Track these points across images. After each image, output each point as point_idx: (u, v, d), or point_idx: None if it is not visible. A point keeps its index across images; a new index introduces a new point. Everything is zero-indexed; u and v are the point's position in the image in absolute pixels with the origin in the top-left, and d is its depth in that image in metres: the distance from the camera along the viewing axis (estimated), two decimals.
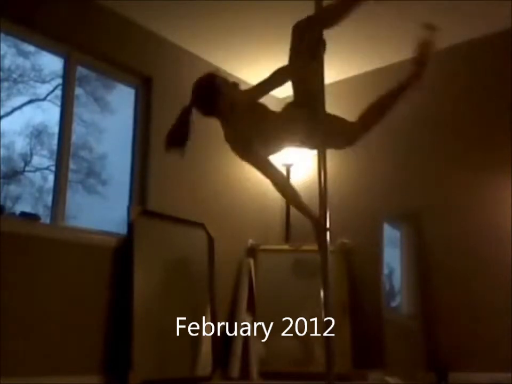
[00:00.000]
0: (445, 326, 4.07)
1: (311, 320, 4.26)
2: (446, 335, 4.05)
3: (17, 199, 4.01)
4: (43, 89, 4.23)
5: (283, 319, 4.42)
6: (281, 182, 2.74)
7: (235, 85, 2.71)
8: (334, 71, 4.63)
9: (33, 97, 4.23)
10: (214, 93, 2.64)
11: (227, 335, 4.30)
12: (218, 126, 4.95)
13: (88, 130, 4.33)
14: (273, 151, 2.80)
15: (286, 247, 4.76)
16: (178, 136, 2.74)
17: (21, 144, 4.20)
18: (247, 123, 2.64)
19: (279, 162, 5.03)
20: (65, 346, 3.38)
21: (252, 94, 2.76)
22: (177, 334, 3.88)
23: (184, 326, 3.96)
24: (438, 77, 4.52)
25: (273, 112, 2.76)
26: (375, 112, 2.93)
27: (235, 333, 4.28)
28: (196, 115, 2.71)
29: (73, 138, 3.88)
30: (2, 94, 3.75)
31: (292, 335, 4.40)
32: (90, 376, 3.44)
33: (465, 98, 4.38)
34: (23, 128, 4.19)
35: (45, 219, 3.65)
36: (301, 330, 4.37)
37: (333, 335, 2.56)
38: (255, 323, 4.35)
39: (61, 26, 3.78)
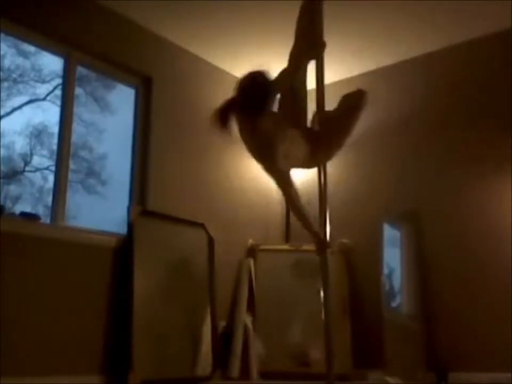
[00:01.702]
0: (445, 326, 4.07)
1: (311, 320, 4.26)
2: (446, 335, 4.04)
3: (17, 199, 4.02)
4: (43, 89, 4.23)
5: (283, 319, 4.43)
6: (293, 198, 2.71)
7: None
8: (334, 71, 4.63)
9: (33, 97, 4.24)
10: (264, 96, 2.56)
11: (227, 335, 4.30)
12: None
13: (88, 130, 4.33)
14: (293, 166, 2.83)
15: (286, 247, 4.76)
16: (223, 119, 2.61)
17: (21, 144, 4.21)
18: (278, 131, 2.59)
19: None
20: (65, 346, 3.38)
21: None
22: (178, 334, 3.89)
23: (184, 326, 3.97)
24: (438, 77, 4.53)
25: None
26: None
27: (235, 333, 4.28)
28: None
29: (73, 138, 3.88)
30: (2, 94, 3.75)
31: (291, 335, 4.41)
32: (90, 376, 3.44)
33: (465, 98, 4.37)
34: (23, 128, 4.20)
35: (45, 219, 3.65)
36: (301, 330, 4.37)
37: (333, 335, 2.56)
38: (255, 323, 4.35)
39: (61, 26, 3.78)
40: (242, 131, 2.69)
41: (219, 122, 2.59)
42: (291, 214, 4.88)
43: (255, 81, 2.58)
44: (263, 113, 2.57)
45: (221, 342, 4.22)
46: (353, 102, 2.87)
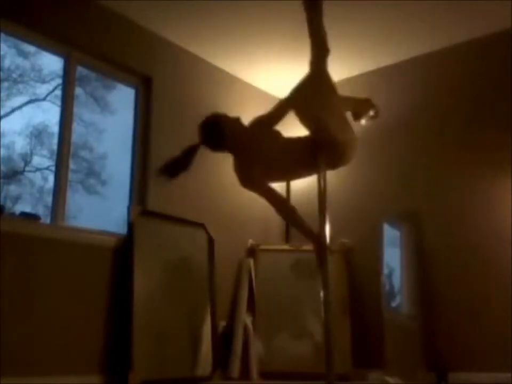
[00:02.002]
0: (445, 326, 4.07)
1: (311, 320, 4.26)
2: (446, 335, 4.04)
3: (17, 199, 4.02)
4: (43, 89, 4.24)
5: (283, 319, 4.43)
6: (280, 206, 2.91)
7: (237, 119, 2.96)
8: (334, 71, 4.62)
9: (33, 97, 4.24)
10: (220, 133, 2.91)
11: (227, 335, 4.30)
12: None
13: (88, 130, 4.34)
14: (280, 179, 3.01)
15: (286, 247, 4.76)
16: (178, 167, 2.99)
17: (21, 144, 4.21)
18: (248, 156, 2.90)
19: None
20: (65, 346, 3.38)
21: (259, 126, 2.98)
22: (178, 334, 3.89)
23: (184, 326, 3.97)
24: (438, 77, 4.53)
25: (284, 141, 2.96)
26: None
27: (235, 333, 4.28)
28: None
29: (73, 138, 3.88)
30: (2, 94, 3.75)
31: (291, 335, 4.40)
32: (90, 376, 3.44)
33: (465, 98, 4.38)
34: (23, 128, 4.20)
35: (45, 219, 3.65)
36: (301, 330, 4.37)
37: (333, 335, 2.56)
38: (255, 323, 4.35)
39: (61, 26, 3.78)
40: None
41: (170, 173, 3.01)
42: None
43: (211, 122, 2.97)
44: (223, 148, 2.98)
45: (221, 342, 4.22)
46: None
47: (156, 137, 4.25)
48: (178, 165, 2.97)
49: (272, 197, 2.87)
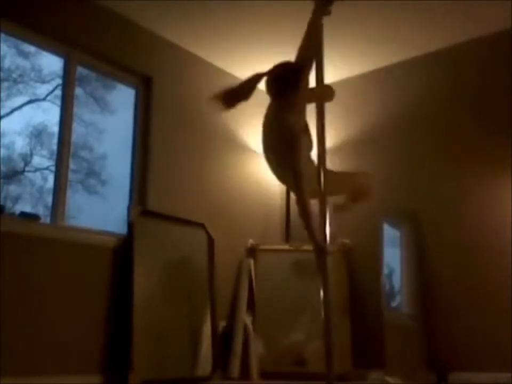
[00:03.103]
0: (445, 326, 4.07)
1: (311, 320, 4.26)
2: (446, 335, 4.05)
3: (17, 199, 4.01)
4: (43, 89, 4.23)
5: (283, 319, 4.43)
6: (304, 199, 2.73)
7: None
8: (334, 71, 4.63)
9: (33, 97, 4.23)
10: (296, 81, 2.77)
11: (227, 335, 4.30)
12: (219, 126, 4.96)
13: (88, 130, 4.33)
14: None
15: (286, 247, 4.75)
16: (236, 95, 2.80)
17: (21, 144, 4.20)
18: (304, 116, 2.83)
19: None
20: (65, 346, 3.38)
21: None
22: (178, 334, 3.89)
23: (184, 326, 3.97)
24: (438, 77, 4.53)
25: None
26: None
27: (235, 333, 4.28)
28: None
29: (73, 138, 3.88)
30: (2, 94, 3.75)
31: (291, 335, 4.40)
32: (90, 376, 3.45)
33: (465, 98, 4.37)
34: (23, 128, 4.19)
35: (45, 219, 3.65)
36: (301, 330, 4.37)
37: (333, 335, 2.56)
38: (255, 323, 4.35)
39: (61, 26, 3.78)
40: (270, 118, 2.87)
41: (227, 101, 2.79)
42: (291, 214, 4.89)
43: (287, 64, 2.83)
44: (296, 92, 2.78)
45: (221, 342, 4.22)
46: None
47: (155, 137, 4.25)
48: (238, 94, 2.80)
49: (300, 187, 2.70)
